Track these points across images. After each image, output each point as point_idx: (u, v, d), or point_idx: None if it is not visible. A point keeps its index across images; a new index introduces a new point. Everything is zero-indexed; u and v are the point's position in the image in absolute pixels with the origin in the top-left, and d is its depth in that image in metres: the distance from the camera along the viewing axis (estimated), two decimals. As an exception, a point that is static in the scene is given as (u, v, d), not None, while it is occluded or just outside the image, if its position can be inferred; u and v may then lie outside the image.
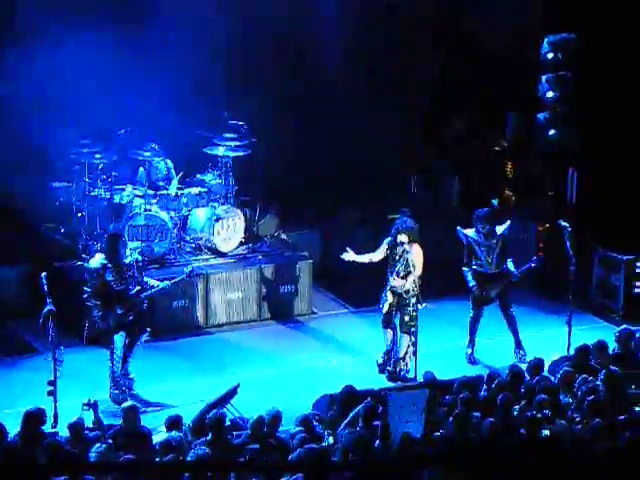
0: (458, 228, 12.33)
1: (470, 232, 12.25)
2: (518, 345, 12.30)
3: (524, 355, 12.14)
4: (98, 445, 8.91)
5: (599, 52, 14.06)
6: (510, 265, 12.23)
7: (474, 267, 12.18)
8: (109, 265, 11.21)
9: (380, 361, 12.06)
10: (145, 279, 11.45)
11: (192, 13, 13.83)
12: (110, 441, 9.08)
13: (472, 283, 12.21)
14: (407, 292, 11.84)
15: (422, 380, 10.68)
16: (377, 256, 11.94)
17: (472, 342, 12.38)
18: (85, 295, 11.31)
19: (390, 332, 12.00)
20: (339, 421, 9.60)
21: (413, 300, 11.80)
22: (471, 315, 12.34)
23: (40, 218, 13.68)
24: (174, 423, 9.51)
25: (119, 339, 11.24)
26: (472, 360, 12.30)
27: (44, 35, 13.12)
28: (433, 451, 8.77)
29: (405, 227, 11.89)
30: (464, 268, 12.27)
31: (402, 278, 11.84)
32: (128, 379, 11.40)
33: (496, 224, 12.26)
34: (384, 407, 9.15)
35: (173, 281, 11.62)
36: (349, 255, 12.00)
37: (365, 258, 12.01)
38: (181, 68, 13.89)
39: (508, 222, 12.35)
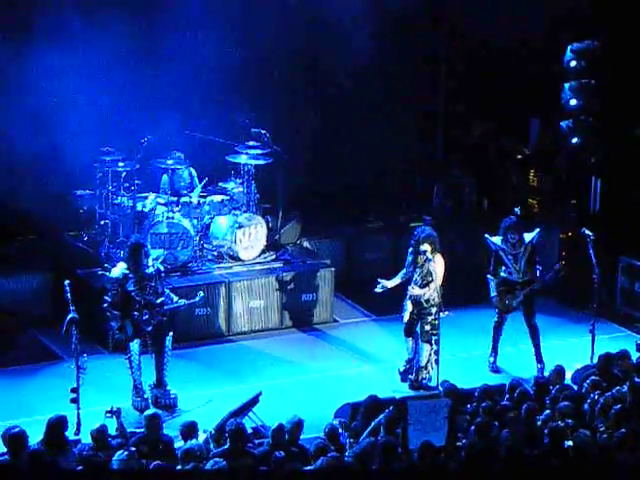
0: (486, 236, 12.27)
1: (497, 240, 12.19)
2: (538, 357, 12.22)
3: (542, 368, 12.07)
4: (120, 452, 8.92)
5: (623, 59, 14.00)
6: (538, 273, 12.17)
7: (502, 274, 12.12)
8: (131, 275, 11.24)
9: (402, 369, 12.03)
10: (166, 291, 11.46)
11: (211, 22, 13.88)
12: (133, 449, 9.09)
13: (493, 293, 12.16)
14: (427, 301, 11.80)
15: (441, 390, 10.63)
16: (407, 272, 11.85)
17: (495, 350, 12.33)
18: (105, 304, 11.34)
19: (411, 341, 11.97)
20: (362, 431, 9.58)
21: (434, 309, 11.76)
22: (494, 322, 12.28)
23: (63, 226, 13.78)
24: (189, 429, 9.49)
25: (135, 346, 11.25)
26: (495, 369, 12.24)
27: (67, 45, 13.22)
28: (455, 461, 8.72)
29: (426, 235, 11.86)
30: (489, 276, 12.21)
31: (421, 287, 11.81)
32: (169, 396, 11.34)
33: (524, 232, 12.19)
34: (404, 416, 9.12)
35: (189, 302, 11.64)
36: (385, 283, 11.88)
37: (397, 280, 11.91)
38: (204, 77, 13.95)
39: (537, 230, 12.28)
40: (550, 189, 15.13)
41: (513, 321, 12.39)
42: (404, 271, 11.92)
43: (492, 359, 12.30)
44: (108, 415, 9.78)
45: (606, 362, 10.71)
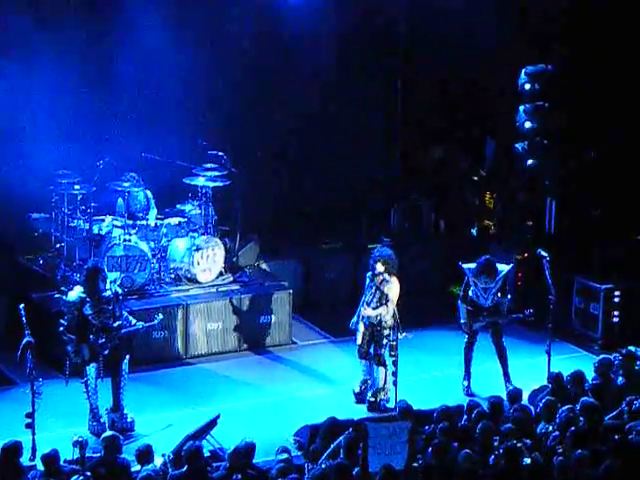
0: (460, 263, 12.29)
1: (472, 267, 12.19)
2: (506, 377, 12.24)
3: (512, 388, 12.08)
4: (75, 477, 8.82)
5: (576, 82, 14.20)
6: (505, 303, 12.17)
7: (470, 294, 12.14)
8: (88, 299, 11.16)
9: (357, 390, 12.03)
10: (124, 314, 11.40)
11: (171, 41, 13.89)
12: (88, 473, 8.99)
13: (463, 320, 12.18)
14: (380, 323, 11.79)
15: (397, 409, 10.64)
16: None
17: (468, 374, 12.27)
18: (61, 328, 11.23)
19: (365, 363, 11.97)
20: (322, 453, 9.56)
21: (386, 332, 11.76)
22: (465, 344, 12.27)
23: (18, 249, 13.65)
24: (145, 453, 9.41)
25: (92, 370, 11.16)
26: (469, 393, 12.15)
27: (22, 66, 13.17)
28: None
29: (381, 256, 11.89)
30: (459, 302, 12.24)
31: (374, 309, 11.81)
32: (126, 420, 11.28)
33: (497, 263, 12.15)
34: (364, 440, 9.11)
35: (146, 325, 11.59)
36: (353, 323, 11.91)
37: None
38: (160, 99, 13.94)
39: (511, 265, 12.32)
40: (506, 210, 15.25)
41: (480, 341, 12.37)
42: (363, 300, 11.89)
43: (466, 382, 12.25)
44: (76, 445, 9.68)
45: (558, 381, 10.78)
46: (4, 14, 13.17)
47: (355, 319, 11.94)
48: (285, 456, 9.42)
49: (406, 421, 9.51)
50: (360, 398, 12.01)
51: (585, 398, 10.09)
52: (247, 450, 9.33)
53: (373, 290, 11.82)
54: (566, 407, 9.99)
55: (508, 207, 15.22)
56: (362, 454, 9.07)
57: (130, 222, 13.27)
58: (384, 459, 8.99)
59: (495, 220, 15.26)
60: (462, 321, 12.23)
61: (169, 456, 9.66)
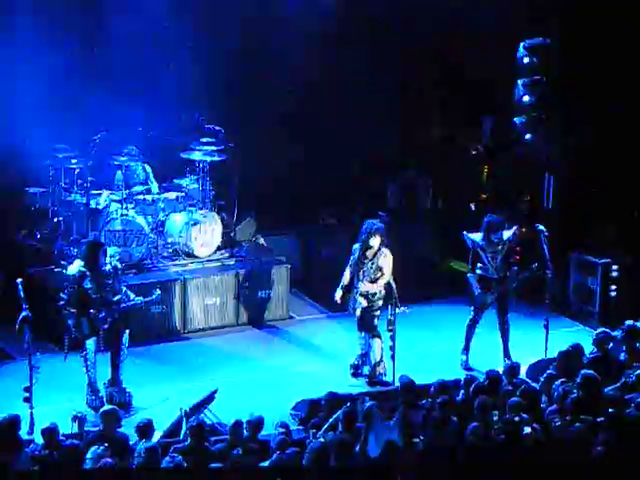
0: (464, 233, 12.25)
1: (476, 237, 12.17)
2: (506, 352, 12.24)
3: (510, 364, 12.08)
4: (95, 448, 8.81)
5: (575, 56, 14.13)
6: (513, 272, 12.15)
7: (478, 271, 12.14)
8: (88, 273, 11.13)
9: (354, 363, 12.03)
10: (123, 288, 11.38)
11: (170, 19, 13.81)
12: (106, 444, 8.97)
13: (478, 291, 12.12)
14: (374, 295, 11.79)
15: (399, 384, 10.66)
16: (355, 266, 11.86)
17: (467, 349, 12.27)
18: (61, 302, 11.22)
19: (365, 335, 11.97)
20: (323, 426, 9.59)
21: (380, 303, 11.75)
22: (469, 320, 12.24)
23: (15, 223, 13.61)
24: (146, 428, 9.41)
25: (91, 344, 11.15)
26: (467, 367, 12.17)
27: (19, 40, 13.08)
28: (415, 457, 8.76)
29: (377, 229, 11.86)
30: (469, 274, 12.21)
31: (372, 282, 11.81)
32: (125, 394, 11.27)
33: (503, 230, 12.18)
34: (369, 420, 9.12)
35: (146, 299, 11.58)
36: (338, 293, 11.89)
37: (348, 276, 11.90)
38: (160, 73, 13.87)
39: (514, 228, 12.26)
40: (504, 186, 15.22)
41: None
42: (352, 267, 11.85)
43: (464, 357, 12.26)
44: (73, 421, 9.69)
45: (565, 358, 10.77)
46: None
47: (340, 290, 11.86)
48: (282, 430, 9.43)
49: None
50: (357, 372, 12.02)
51: (585, 370, 10.11)
52: (255, 424, 9.33)
53: (368, 263, 11.78)
54: (560, 380, 10.00)
55: (506, 182, 15.19)
56: (364, 434, 9.05)
57: (126, 194, 13.20)
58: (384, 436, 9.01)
59: (493, 195, 15.23)
60: (477, 292, 12.14)
61: (186, 411, 9.64)
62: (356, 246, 11.88)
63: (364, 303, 11.88)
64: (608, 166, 14.21)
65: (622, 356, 11.04)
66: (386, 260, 11.77)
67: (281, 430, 9.44)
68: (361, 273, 11.82)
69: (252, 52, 14.38)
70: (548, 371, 10.47)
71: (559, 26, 14.28)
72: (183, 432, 9.65)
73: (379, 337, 11.84)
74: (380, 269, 11.75)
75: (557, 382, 9.97)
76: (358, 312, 11.93)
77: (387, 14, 14.95)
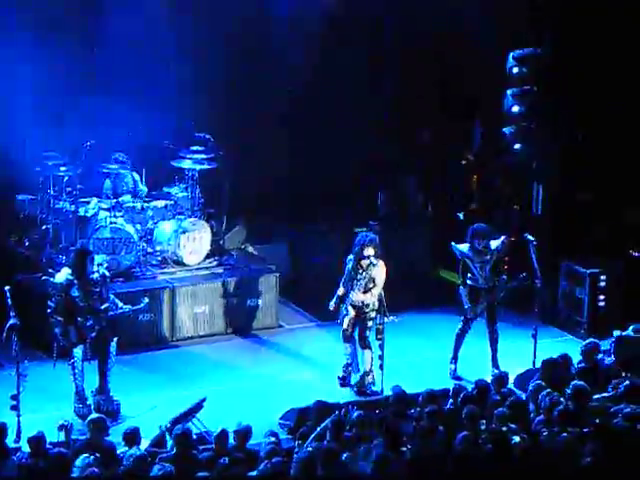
0: (452, 244, 12.27)
1: (464, 247, 12.19)
2: (494, 363, 12.25)
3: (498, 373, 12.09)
4: (84, 456, 8.78)
5: (565, 66, 14.18)
6: (502, 282, 12.16)
7: (468, 282, 12.15)
8: (75, 281, 11.11)
9: (341, 375, 12.04)
10: (111, 297, 11.36)
11: (161, 21, 13.79)
12: (97, 454, 8.94)
13: (467, 305, 12.14)
14: (367, 306, 11.80)
15: (391, 393, 10.66)
16: (349, 277, 11.86)
17: (455, 358, 12.27)
18: (48, 310, 11.18)
19: (350, 346, 11.97)
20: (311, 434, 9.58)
21: (372, 314, 11.77)
22: (458, 330, 12.24)
23: (4, 231, 13.58)
24: (132, 436, 9.39)
25: (78, 352, 11.13)
26: (455, 376, 12.17)
27: (11, 47, 13.06)
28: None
29: (370, 240, 11.89)
30: (460, 287, 12.21)
31: (364, 293, 11.81)
32: (112, 403, 11.24)
33: (491, 239, 12.21)
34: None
35: (134, 308, 11.56)
36: (332, 304, 11.93)
37: (342, 289, 11.92)
38: (149, 79, 13.85)
39: (502, 237, 12.26)
40: (493, 194, 15.25)
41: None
42: (346, 278, 11.89)
43: (453, 366, 12.26)
44: (61, 430, 9.66)
45: (549, 367, 10.80)
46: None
47: (334, 301, 11.88)
48: (272, 439, 9.42)
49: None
50: (344, 382, 12.01)
51: (576, 382, 10.11)
52: (243, 433, 9.32)
53: (361, 274, 11.80)
54: (547, 391, 10.01)
55: (494, 191, 15.21)
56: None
57: (114, 203, 13.19)
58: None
59: (482, 204, 15.26)
60: (466, 306, 12.17)
61: (166, 426, 9.64)
62: (350, 257, 11.90)
63: (352, 313, 11.88)
64: (597, 174, 14.26)
65: (610, 366, 11.04)
66: (379, 271, 11.79)
67: (271, 439, 9.42)
68: (354, 283, 11.83)
69: (252, 52, 14.35)
70: (536, 381, 10.47)
71: (551, 35, 14.33)
72: (170, 444, 9.61)
73: (369, 348, 11.84)
74: (373, 280, 11.77)
75: (543, 392, 9.97)
76: (345, 323, 11.92)
77: (386, 14, 14.98)
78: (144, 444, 9.59)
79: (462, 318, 12.26)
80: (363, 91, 15.13)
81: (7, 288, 10.85)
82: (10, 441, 9.67)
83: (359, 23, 14.91)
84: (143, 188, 13.66)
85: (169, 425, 9.77)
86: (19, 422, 10.42)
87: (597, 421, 9.44)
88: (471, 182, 15.57)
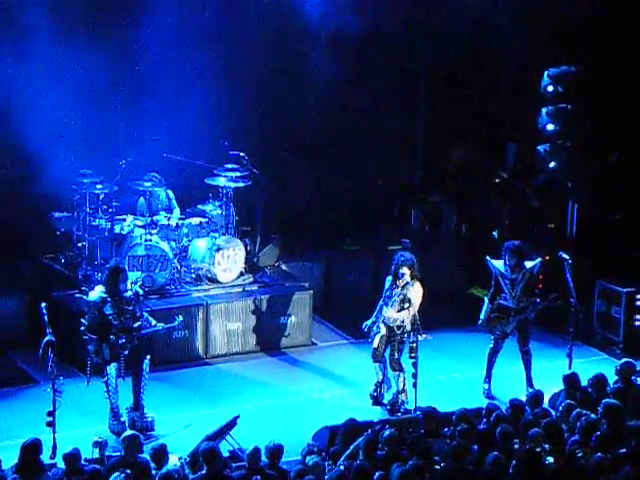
0: (487, 258, 12.24)
1: (499, 264, 12.15)
2: (529, 382, 12.19)
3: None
4: (117, 474, 8.82)
5: (600, 84, 14.13)
6: (534, 303, 12.08)
7: (500, 301, 12.10)
8: (109, 298, 11.20)
9: (373, 393, 12.01)
10: (145, 315, 11.43)
11: (192, 43, 13.91)
12: (128, 471, 8.97)
13: (483, 317, 12.10)
14: (399, 327, 11.78)
15: (419, 413, 10.62)
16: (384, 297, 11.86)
17: (489, 377, 12.22)
18: (81, 328, 11.27)
19: (380, 365, 11.94)
20: (342, 454, 9.55)
21: (404, 336, 11.74)
22: (490, 349, 12.20)
23: (40, 248, 13.71)
24: (159, 452, 9.40)
25: (112, 370, 11.20)
26: (489, 395, 12.11)
27: (46, 64, 13.21)
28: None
29: (405, 260, 11.88)
30: (485, 299, 12.18)
31: (398, 312, 11.79)
32: (145, 421, 11.29)
33: (525, 259, 12.12)
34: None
35: (167, 326, 11.62)
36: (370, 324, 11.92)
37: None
38: (184, 100, 13.96)
39: (538, 259, 12.22)
40: (526, 213, 15.19)
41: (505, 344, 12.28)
42: (383, 298, 11.86)
43: (487, 386, 12.21)
44: (95, 446, 9.71)
45: (572, 382, 10.72)
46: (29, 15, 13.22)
47: (370, 321, 11.89)
48: (314, 457, 9.39)
49: None
50: (376, 400, 11.99)
51: (607, 400, 10.03)
52: (274, 451, 9.31)
53: (397, 293, 11.77)
54: (577, 411, 9.92)
55: (529, 210, 15.15)
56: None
57: (152, 222, 13.29)
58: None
59: (516, 223, 15.20)
60: (481, 317, 12.13)
61: (186, 459, 9.66)
62: (388, 278, 11.89)
63: (384, 331, 11.86)
64: (632, 192, 14.17)
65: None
66: (415, 292, 11.75)
67: (312, 457, 9.39)
68: (388, 301, 11.81)
69: (286, 70, 14.39)
70: (567, 400, 10.40)
71: (585, 53, 14.29)
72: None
73: (401, 370, 11.79)
74: (408, 300, 11.73)
75: (574, 412, 9.89)
76: (376, 342, 11.88)
77: (419, 35, 15.00)
78: (172, 460, 9.59)
79: (492, 337, 12.20)
80: (397, 110, 15.16)
81: (43, 305, 10.94)
82: (45, 457, 9.72)
83: (392, 43, 14.95)
84: (176, 209, 13.74)
85: (188, 459, 9.70)
86: (54, 438, 10.48)
87: (633, 443, 9.34)
88: (506, 201, 15.50)
